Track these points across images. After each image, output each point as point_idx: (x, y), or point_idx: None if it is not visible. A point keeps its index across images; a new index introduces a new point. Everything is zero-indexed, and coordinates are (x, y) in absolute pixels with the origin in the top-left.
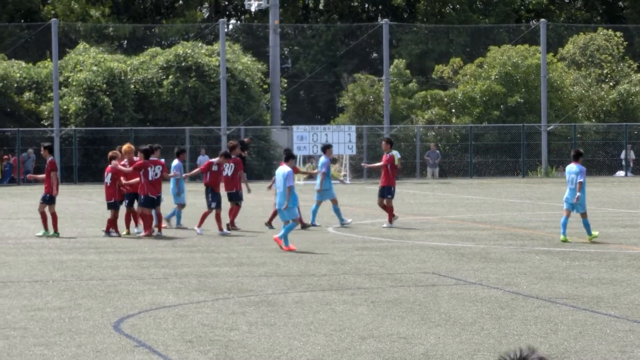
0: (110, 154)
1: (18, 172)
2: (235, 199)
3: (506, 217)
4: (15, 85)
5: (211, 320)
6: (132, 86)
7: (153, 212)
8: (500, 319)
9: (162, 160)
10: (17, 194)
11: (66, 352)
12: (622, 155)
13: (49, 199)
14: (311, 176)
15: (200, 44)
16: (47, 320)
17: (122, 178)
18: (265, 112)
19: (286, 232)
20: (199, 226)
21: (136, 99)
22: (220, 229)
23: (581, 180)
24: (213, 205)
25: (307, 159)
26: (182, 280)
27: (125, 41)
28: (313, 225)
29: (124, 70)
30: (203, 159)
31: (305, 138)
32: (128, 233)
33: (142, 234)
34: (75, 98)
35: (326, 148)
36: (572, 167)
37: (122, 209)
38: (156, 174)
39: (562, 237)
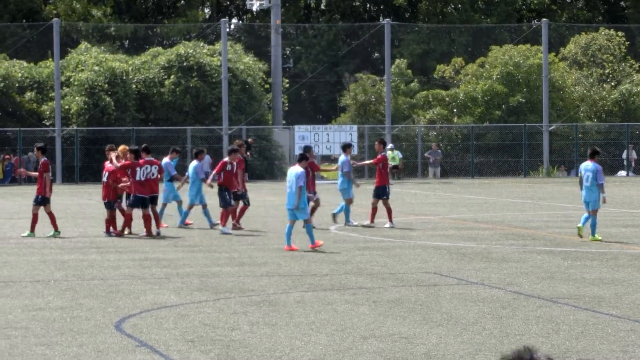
0: (107, 148)
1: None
2: (241, 198)
3: (508, 217)
4: (17, 85)
5: (213, 320)
6: (134, 86)
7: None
8: (501, 319)
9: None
10: (18, 194)
11: (68, 352)
12: (624, 155)
13: (41, 200)
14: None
15: (201, 44)
16: (48, 320)
17: (123, 178)
18: (266, 112)
19: (311, 231)
20: (223, 225)
21: (138, 99)
22: (224, 225)
23: (602, 182)
24: (232, 202)
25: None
26: (184, 280)
27: (127, 41)
28: (349, 224)
29: (125, 70)
30: (205, 160)
31: (306, 138)
32: (130, 233)
33: (143, 233)
34: (76, 98)
35: (346, 147)
36: (587, 165)
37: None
38: (152, 174)
39: (591, 237)
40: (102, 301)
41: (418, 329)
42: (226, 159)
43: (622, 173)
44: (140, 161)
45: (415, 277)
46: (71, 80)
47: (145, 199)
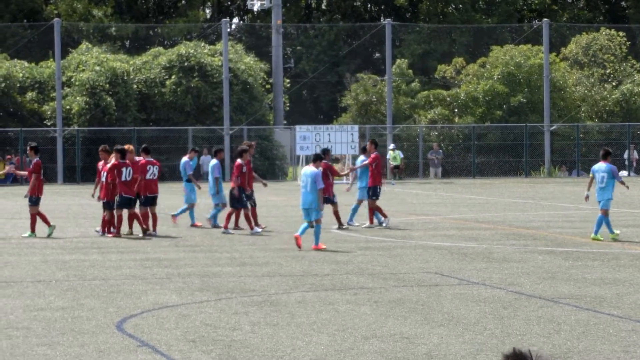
0: (100, 148)
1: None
2: (249, 198)
3: (509, 217)
4: (18, 85)
5: (214, 320)
6: (135, 86)
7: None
8: (503, 319)
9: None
10: (19, 194)
11: (69, 352)
12: (625, 155)
13: (35, 201)
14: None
15: (202, 44)
16: (49, 320)
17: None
18: (268, 112)
19: (319, 232)
20: (252, 228)
21: (139, 99)
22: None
23: (620, 180)
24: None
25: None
26: (185, 280)
27: (128, 41)
28: (380, 223)
29: (126, 70)
30: (206, 160)
31: (307, 138)
32: (131, 233)
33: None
34: (78, 98)
35: (365, 150)
36: (601, 166)
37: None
38: (153, 174)
39: (611, 234)
40: (104, 301)
41: (419, 329)
42: (239, 160)
43: (624, 173)
44: (141, 161)
45: (417, 277)
46: (72, 80)
47: (131, 199)
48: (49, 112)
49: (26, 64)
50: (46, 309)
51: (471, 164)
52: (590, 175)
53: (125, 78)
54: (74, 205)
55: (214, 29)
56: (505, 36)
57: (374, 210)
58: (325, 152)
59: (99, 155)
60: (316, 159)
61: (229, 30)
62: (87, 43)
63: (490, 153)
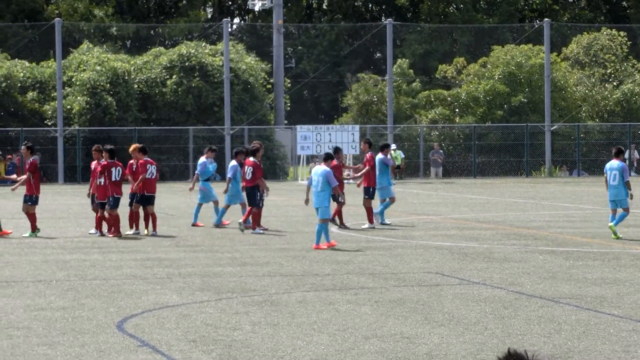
0: (94, 148)
1: (21, 172)
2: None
3: (510, 217)
4: (19, 85)
5: (214, 320)
6: (136, 86)
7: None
8: (503, 319)
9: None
10: (20, 194)
11: (69, 351)
12: (626, 155)
13: (35, 200)
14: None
15: (203, 44)
16: (50, 320)
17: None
18: (268, 111)
19: (321, 231)
20: (254, 228)
21: (140, 99)
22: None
23: (627, 179)
24: (261, 203)
25: (311, 158)
26: (186, 280)
27: (129, 41)
28: (384, 224)
29: (127, 70)
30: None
31: (308, 138)
32: (136, 231)
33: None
34: (78, 98)
35: (384, 147)
36: (613, 164)
37: (123, 210)
38: (152, 174)
39: (612, 226)
40: (104, 301)
41: (420, 329)
42: (254, 159)
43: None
44: (140, 161)
45: (417, 277)
46: (73, 80)
47: (118, 199)
48: (49, 112)
49: (27, 63)
50: (47, 308)
51: (472, 164)
52: (605, 173)
53: (126, 78)
54: (75, 205)
55: (215, 28)
56: (506, 36)
57: (371, 210)
58: (337, 150)
59: (92, 155)
60: (327, 158)
61: (230, 30)
62: (88, 43)
63: (491, 153)
